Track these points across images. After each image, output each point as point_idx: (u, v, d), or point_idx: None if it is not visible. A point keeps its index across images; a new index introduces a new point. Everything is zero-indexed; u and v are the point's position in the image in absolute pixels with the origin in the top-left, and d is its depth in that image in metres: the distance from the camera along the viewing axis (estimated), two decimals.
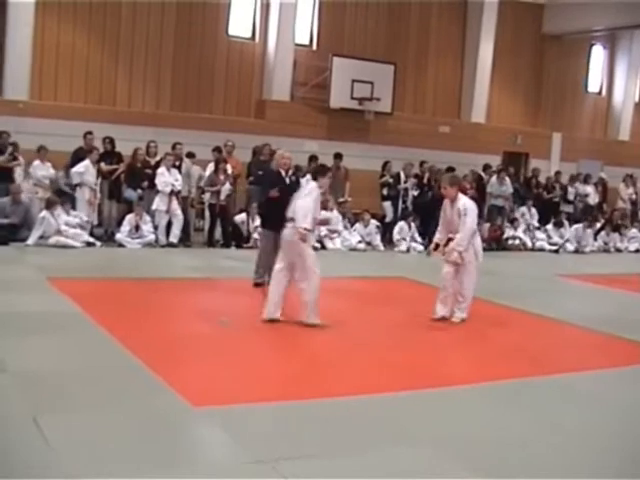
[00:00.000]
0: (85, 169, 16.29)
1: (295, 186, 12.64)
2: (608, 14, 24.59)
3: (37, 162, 16.43)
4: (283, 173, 12.28)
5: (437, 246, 10.97)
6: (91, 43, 19.67)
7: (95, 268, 13.33)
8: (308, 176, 18.00)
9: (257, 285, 12.22)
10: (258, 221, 16.00)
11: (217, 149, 18.05)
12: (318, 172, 10.36)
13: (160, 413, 6.21)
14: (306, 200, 9.77)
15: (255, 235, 16.65)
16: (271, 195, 12.09)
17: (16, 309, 9.47)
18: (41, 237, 15.06)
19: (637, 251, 22.41)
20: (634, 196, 25.42)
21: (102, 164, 16.88)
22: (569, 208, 23.34)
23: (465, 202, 10.68)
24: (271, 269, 11.94)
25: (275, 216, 11.67)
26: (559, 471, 5.58)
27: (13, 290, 10.64)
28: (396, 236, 18.84)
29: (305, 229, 9.57)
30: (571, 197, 23.57)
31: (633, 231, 23.13)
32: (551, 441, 6.15)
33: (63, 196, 16.14)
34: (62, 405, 6.25)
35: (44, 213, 15.21)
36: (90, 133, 17.06)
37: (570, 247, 21.11)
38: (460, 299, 10.67)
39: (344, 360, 8.31)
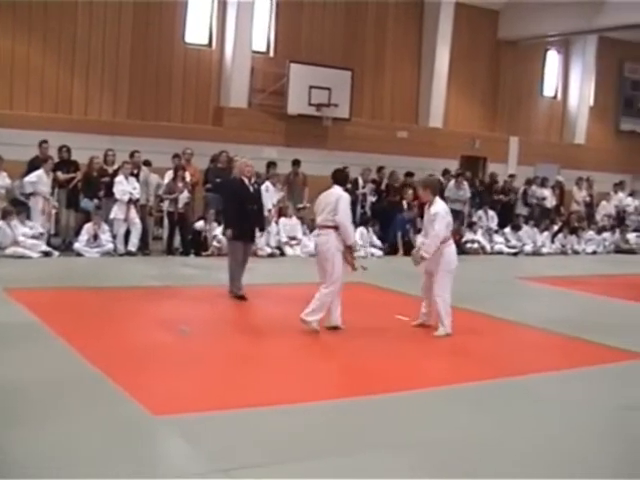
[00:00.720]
0: (38, 178, 16.09)
1: (258, 194, 12.67)
2: (562, 19, 24.84)
3: None
4: (246, 181, 12.29)
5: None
6: (46, 51, 19.47)
7: (53, 278, 13.19)
8: (267, 183, 18.11)
9: (241, 298, 12.06)
10: (218, 229, 15.96)
11: (177, 156, 17.97)
12: (344, 178, 10.88)
13: (120, 422, 6.16)
14: (347, 213, 10.11)
15: (215, 243, 16.60)
16: (227, 236, 12.21)
17: None
18: None
19: (594, 253, 22.64)
20: (588, 198, 25.70)
21: (59, 173, 16.73)
22: (526, 211, 23.47)
23: (437, 207, 10.54)
24: (241, 278, 12.01)
25: (243, 226, 11.70)
26: (527, 471, 5.62)
27: None
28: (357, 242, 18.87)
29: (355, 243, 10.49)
30: (530, 200, 23.72)
31: (590, 233, 23.36)
32: (517, 443, 6.20)
33: (19, 206, 15.97)
34: (21, 417, 6.17)
35: (0, 223, 15.05)
36: (45, 142, 16.89)
37: (528, 249, 21.28)
38: (438, 311, 10.48)
39: (308, 366, 8.32)
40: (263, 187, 17.60)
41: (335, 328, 10.09)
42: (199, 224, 17.17)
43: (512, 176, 24.41)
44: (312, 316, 9.90)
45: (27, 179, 16.11)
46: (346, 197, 10.25)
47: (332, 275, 10.01)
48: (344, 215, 10.02)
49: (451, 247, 10.67)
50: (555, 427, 6.66)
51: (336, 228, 9.98)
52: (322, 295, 9.99)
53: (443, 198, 19.89)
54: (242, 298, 11.99)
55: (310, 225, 19.00)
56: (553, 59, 29.22)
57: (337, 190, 10.25)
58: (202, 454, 5.64)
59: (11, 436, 5.75)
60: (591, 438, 6.49)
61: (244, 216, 11.96)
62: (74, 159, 17.21)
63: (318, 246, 10.28)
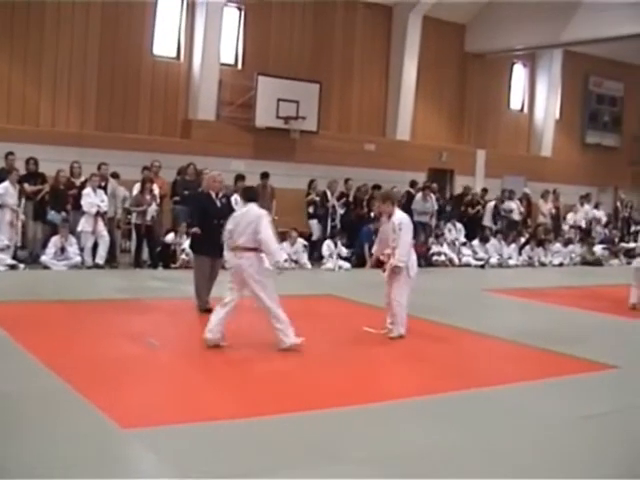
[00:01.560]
0: (4, 190, 15.95)
1: (226, 208, 12.53)
2: (528, 33, 25.13)
3: None
4: (213, 195, 12.23)
5: (379, 262, 11.13)
6: (13, 63, 19.38)
7: (19, 291, 13.10)
8: (235, 195, 18.08)
9: (208, 311, 11.95)
10: (187, 242, 15.88)
11: (147, 168, 17.92)
12: (256, 194, 10.43)
13: (88, 436, 6.13)
14: (270, 230, 9.74)
15: (183, 256, 16.55)
16: (194, 232, 12.12)
17: None
18: None
19: (561, 265, 22.80)
20: (554, 211, 25.88)
21: (25, 185, 16.65)
22: (495, 225, 23.55)
23: (401, 217, 10.84)
24: (209, 291, 11.92)
25: (209, 241, 11.60)
26: None
27: None
28: (325, 253, 18.92)
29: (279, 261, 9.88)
30: (501, 213, 23.81)
31: (557, 245, 23.53)
32: (482, 455, 6.23)
33: None
34: None
35: None
36: (12, 154, 16.79)
37: (494, 261, 21.40)
38: (392, 314, 10.76)
39: (276, 379, 8.32)
40: (232, 199, 17.60)
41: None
42: (169, 237, 17.13)
43: (485, 190, 24.53)
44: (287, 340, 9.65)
45: None
46: (266, 214, 9.90)
47: (267, 288, 9.72)
48: (269, 233, 9.66)
49: (413, 255, 11.01)
50: (520, 439, 6.70)
51: (258, 250, 9.65)
52: (272, 315, 9.69)
53: (410, 210, 20.22)
54: (210, 311, 11.94)
55: (278, 237, 19.01)
56: (519, 72, 29.52)
57: (255, 208, 9.89)
58: (170, 467, 5.64)
59: None
60: (556, 448, 6.53)
61: (210, 230, 11.80)
62: (41, 171, 17.13)
63: (241, 268, 9.64)
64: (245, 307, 9.72)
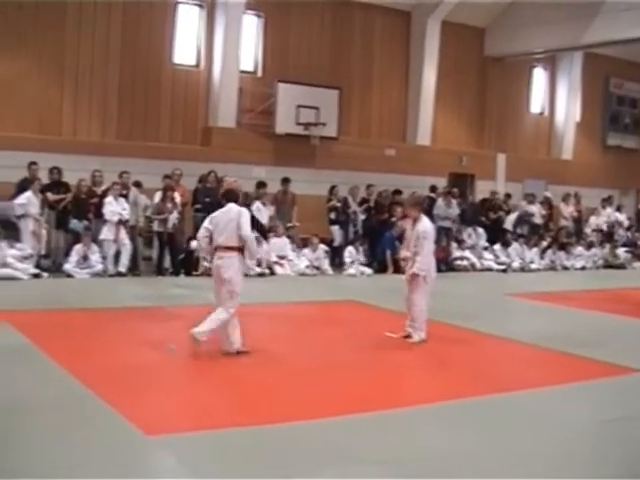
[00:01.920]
0: (27, 200, 16.10)
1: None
2: (548, 37, 25.04)
3: None
4: None
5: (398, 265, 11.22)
6: (35, 73, 19.50)
7: (43, 299, 13.17)
8: (257, 203, 18.15)
9: None
10: None
11: (168, 177, 17.98)
12: (237, 197, 10.25)
13: (113, 443, 6.15)
14: (249, 226, 9.57)
15: (205, 263, 16.56)
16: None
17: None
18: None
19: (583, 268, 22.71)
20: (576, 214, 25.76)
21: (48, 194, 16.76)
22: (513, 228, 23.49)
23: (425, 225, 10.89)
24: None
25: None
26: None
27: None
28: (347, 260, 18.91)
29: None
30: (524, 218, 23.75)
31: (579, 249, 23.44)
32: (503, 461, 6.21)
33: (10, 228, 15.97)
34: (12, 438, 6.16)
35: None
36: (34, 163, 16.92)
37: (516, 265, 21.35)
38: (411, 319, 10.78)
39: (297, 385, 8.33)
40: (254, 207, 17.67)
41: (239, 352, 9.52)
42: (194, 244, 17.15)
43: (508, 195, 24.49)
44: (202, 331, 9.38)
45: (17, 201, 16.12)
46: (246, 211, 9.72)
47: (234, 298, 9.49)
48: (248, 229, 9.48)
49: (432, 261, 11.08)
50: (544, 445, 6.68)
51: (240, 249, 9.48)
52: (217, 315, 9.46)
53: (432, 215, 20.23)
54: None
55: (299, 244, 19.06)
56: (540, 75, 29.44)
57: (235, 207, 9.68)
58: (195, 473, 5.65)
59: (2, 455, 5.76)
60: (577, 453, 6.51)
61: None
62: (64, 180, 17.24)
63: (221, 269, 9.48)
64: (273, 314, 9.72)
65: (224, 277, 9.44)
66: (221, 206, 11.97)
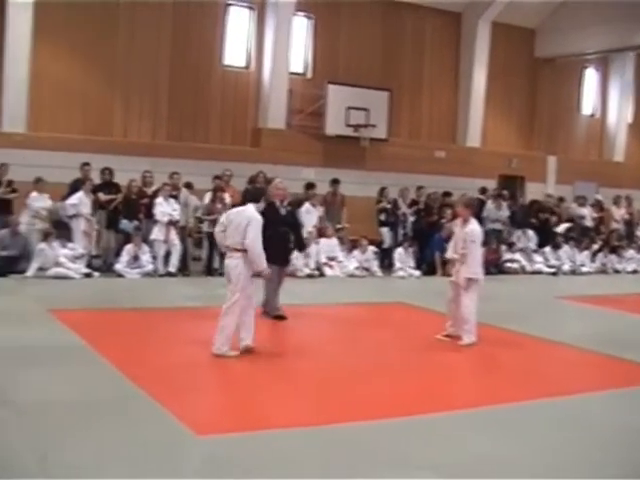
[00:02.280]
0: (79, 201, 16.28)
1: (290, 217, 12.53)
2: (600, 37, 24.80)
3: (35, 194, 16.38)
4: (277, 203, 12.19)
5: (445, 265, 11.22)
6: (87, 75, 19.76)
7: (95, 299, 13.34)
8: (307, 204, 18.15)
9: (280, 317, 12.09)
10: None
11: (219, 177, 18.06)
12: (259, 194, 10.39)
13: (164, 442, 6.21)
14: (257, 237, 9.56)
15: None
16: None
17: (18, 342, 9.46)
18: (40, 269, 15.09)
19: (635, 272, 22.44)
20: (627, 216, 25.45)
21: (100, 194, 16.93)
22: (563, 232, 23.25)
23: (474, 228, 10.91)
24: (278, 299, 11.98)
25: (275, 249, 11.54)
26: None
27: (14, 322, 10.65)
28: (397, 262, 18.83)
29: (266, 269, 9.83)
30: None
31: (630, 252, 23.16)
32: (554, 465, 6.16)
33: (61, 227, 16.15)
34: (68, 437, 6.24)
35: (42, 245, 15.25)
36: (87, 164, 17.09)
37: (566, 268, 21.16)
38: (463, 322, 10.75)
39: (344, 387, 8.33)
40: (303, 209, 17.68)
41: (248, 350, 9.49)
42: None
43: (561, 199, 24.26)
44: (219, 345, 9.38)
45: (69, 202, 16.30)
46: (258, 219, 9.61)
47: (235, 294, 9.46)
48: (255, 239, 9.45)
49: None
50: (597, 450, 6.62)
51: (246, 251, 9.46)
52: (222, 317, 9.47)
53: (481, 218, 20.14)
54: (281, 318, 12.05)
55: (349, 245, 19.04)
56: (591, 77, 29.14)
57: (249, 211, 9.70)
58: (244, 474, 5.67)
59: (56, 448, 5.86)
60: (628, 460, 6.44)
61: (276, 239, 11.66)
62: (115, 181, 17.40)
63: (228, 268, 9.62)
64: (322, 315, 9.71)
65: (230, 277, 9.55)
66: (271, 208, 11.99)
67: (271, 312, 12.09)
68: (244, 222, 9.50)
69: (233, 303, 9.42)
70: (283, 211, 12.24)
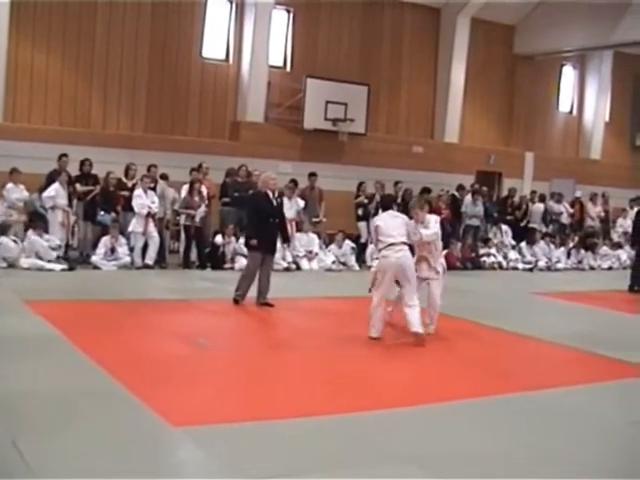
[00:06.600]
0: (56, 192, 16.17)
1: (280, 207, 12.98)
2: (578, 35, 24.93)
3: (10, 185, 16.26)
4: (270, 195, 12.61)
5: None
6: (65, 66, 19.67)
7: (72, 290, 13.28)
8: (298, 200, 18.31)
9: (236, 302, 12.44)
10: (241, 241, 15.85)
11: (196, 169, 18.02)
12: None
13: (140, 434, 6.21)
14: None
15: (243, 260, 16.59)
16: (251, 244, 12.32)
17: None
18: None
19: (610, 268, 22.57)
20: (603, 214, 25.61)
21: (77, 185, 16.86)
22: (541, 226, 23.39)
23: (436, 226, 11.02)
24: (249, 288, 12.18)
25: (265, 238, 11.97)
26: None
27: None
28: (369, 257, 18.80)
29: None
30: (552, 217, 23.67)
31: (604, 249, 23.28)
32: (528, 457, 6.22)
33: (37, 219, 16.08)
34: (42, 428, 6.21)
35: (29, 233, 15.23)
36: (65, 155, 16.98)
37: (542, 264, 21.26)
38: (433, 312, 10.95)
39: (323, 378, 8.36)
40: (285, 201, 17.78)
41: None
42: (218, 238, 17.21)
43: (534, 192, 24.36)
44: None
45: (46, 194, 16.19)
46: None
47: (414, 290, 10.54)
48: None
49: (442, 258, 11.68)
50: (569, 442, 6.67)
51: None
52: (417, 308, 10.42)
53: (459, 214, 20.23)
54: (237, 302, 12.44)
55: (326, 239, 19.07)
56: (569, 74, 29.29)
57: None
58: (223, 465, 5.68)
59: (28, 443, 5.79)
60: (605, 453, 6.51)
61: (266, 229, 12.28)
62: (94, 172, 17.32)
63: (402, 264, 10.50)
64: (299, 308, 9.73)
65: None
66: (257, 198, 12.48)
67: (236, 298, 12.55)
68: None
69: None
70: (275, 202, 12.62)
